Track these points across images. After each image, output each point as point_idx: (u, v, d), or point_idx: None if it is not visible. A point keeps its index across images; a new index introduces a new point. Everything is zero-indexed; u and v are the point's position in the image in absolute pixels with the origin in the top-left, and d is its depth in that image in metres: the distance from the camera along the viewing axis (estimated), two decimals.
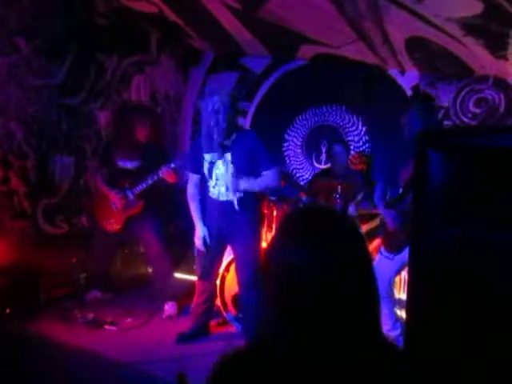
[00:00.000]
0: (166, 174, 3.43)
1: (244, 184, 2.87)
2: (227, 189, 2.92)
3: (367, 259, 0.91)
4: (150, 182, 3.52)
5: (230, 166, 2.86)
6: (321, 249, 0.84)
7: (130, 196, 3.59)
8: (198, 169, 3.04)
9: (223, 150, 2.86)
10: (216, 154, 2.87)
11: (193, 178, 3.11)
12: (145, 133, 3.68)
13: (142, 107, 4.32)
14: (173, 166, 3.43)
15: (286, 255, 0.85)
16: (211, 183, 2.98)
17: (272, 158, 2.98)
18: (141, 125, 3.68)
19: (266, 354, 0.86)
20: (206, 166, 2.97)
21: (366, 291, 0.88)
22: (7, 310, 3.15)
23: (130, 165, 3.67)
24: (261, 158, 2.89)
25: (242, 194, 2.91)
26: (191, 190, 3.11)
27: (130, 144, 3.67)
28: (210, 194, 3.00)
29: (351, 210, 3.58)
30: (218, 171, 2.93)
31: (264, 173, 2.89)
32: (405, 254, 2.65)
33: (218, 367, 0.89)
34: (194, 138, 3.16)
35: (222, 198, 2.95)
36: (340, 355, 0.82)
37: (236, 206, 2.90)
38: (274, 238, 0.93)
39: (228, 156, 2.88)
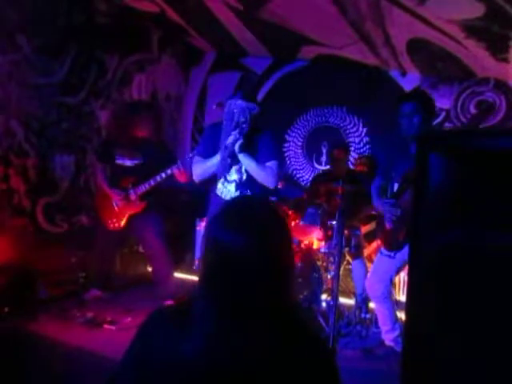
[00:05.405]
0: (177, 173, 3.40)
1: (244, 157, 2.68)
2: (236, 188, 2.77)
3: (285, 243, 1.03)
4: (152, 183, 3.49)
5: (239, 142, 2.65)
6: (246, 232, 0.98)
7: (133, 196, 3.56)
8: (208, 155, 2.81)
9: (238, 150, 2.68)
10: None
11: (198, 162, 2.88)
12: (147, 129, 3.66)
13: (146, 104, 4.30)
14: (181, 165, 3.37)
15: (217, 237, 1.00)
16: (220, 179, 2.82)
17: (275, 154, 2.84)
18: (144, 121, 3.66)
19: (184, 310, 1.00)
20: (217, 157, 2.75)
21: (281, 268, 1.00)
22: (6, 309, 3.14)
23: (129, 162, 3.63)
24: (264, 151, 2.75)
25: (243, 175, 2.74)
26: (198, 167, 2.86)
27: (131, 141, 3.63)
28: (217, 192, 2.84)
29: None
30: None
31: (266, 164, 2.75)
32: (405, 252, 2.63)
33: (149, 315, 1.07)
34: (214, 124, 3.00)
35: (229, 197, 2.79)
36: (253, 324, 0.95)
37: (234, 188, 2.76)
38: (209, 224, 1.07)
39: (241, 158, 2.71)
